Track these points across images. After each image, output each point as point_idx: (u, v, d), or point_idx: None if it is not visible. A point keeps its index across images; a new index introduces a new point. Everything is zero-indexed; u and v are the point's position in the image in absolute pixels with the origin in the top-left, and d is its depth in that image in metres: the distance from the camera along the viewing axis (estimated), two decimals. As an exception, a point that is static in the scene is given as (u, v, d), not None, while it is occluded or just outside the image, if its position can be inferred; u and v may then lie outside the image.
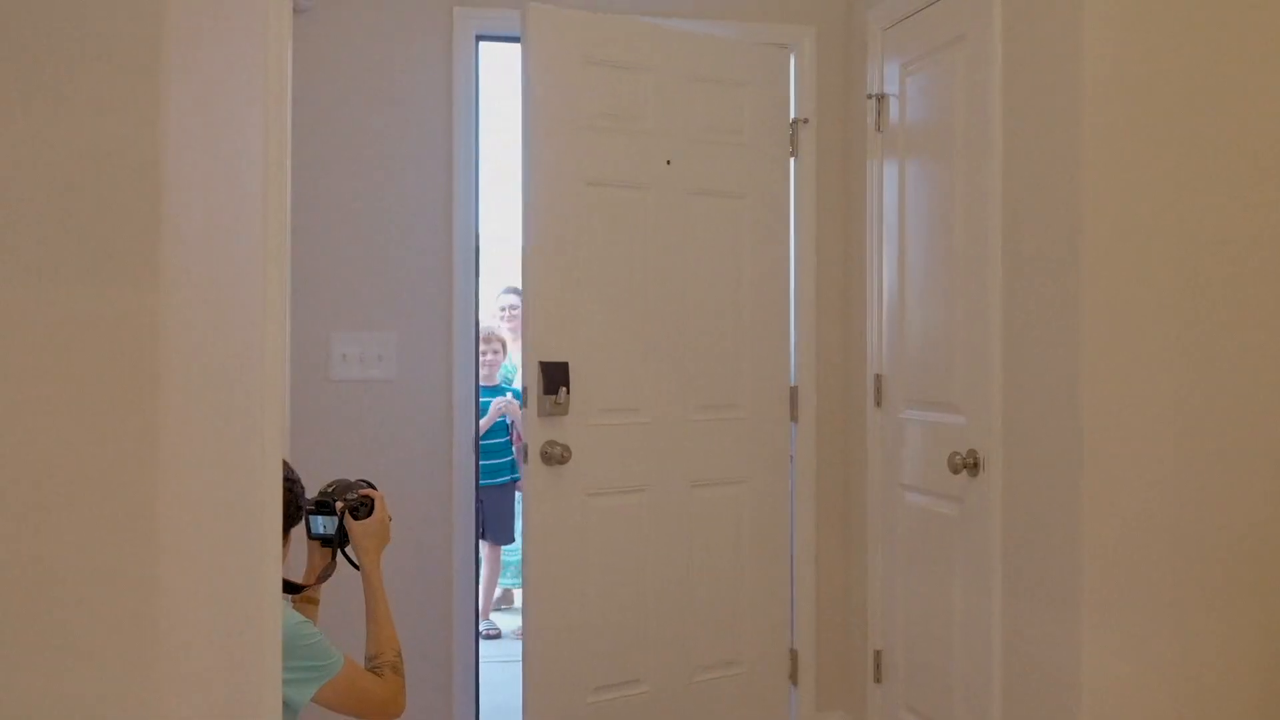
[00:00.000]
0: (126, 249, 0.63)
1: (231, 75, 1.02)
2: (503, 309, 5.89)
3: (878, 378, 3.75)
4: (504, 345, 5.70)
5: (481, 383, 4.50)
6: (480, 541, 4.90)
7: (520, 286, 6.08)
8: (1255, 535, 2.83)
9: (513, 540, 5.88)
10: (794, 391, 4.01)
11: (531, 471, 3.45)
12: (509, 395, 5.56)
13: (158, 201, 0.63)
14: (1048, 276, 2.85)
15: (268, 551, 1.31)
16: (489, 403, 5.40)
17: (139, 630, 0.72)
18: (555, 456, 3.45)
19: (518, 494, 5.90)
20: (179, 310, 0.71)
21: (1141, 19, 2.77)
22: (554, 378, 3.43)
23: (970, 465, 3.16)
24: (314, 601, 2.53)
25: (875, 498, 3.77)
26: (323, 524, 2.47)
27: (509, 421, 5.61)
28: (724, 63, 3.82)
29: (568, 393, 3.45)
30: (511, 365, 5.94)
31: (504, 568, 6.03)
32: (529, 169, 3.43)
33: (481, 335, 4.49)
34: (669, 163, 3.70)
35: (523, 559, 3.48)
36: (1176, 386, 2.77)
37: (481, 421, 4.98)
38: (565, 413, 3.47)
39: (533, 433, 3.44)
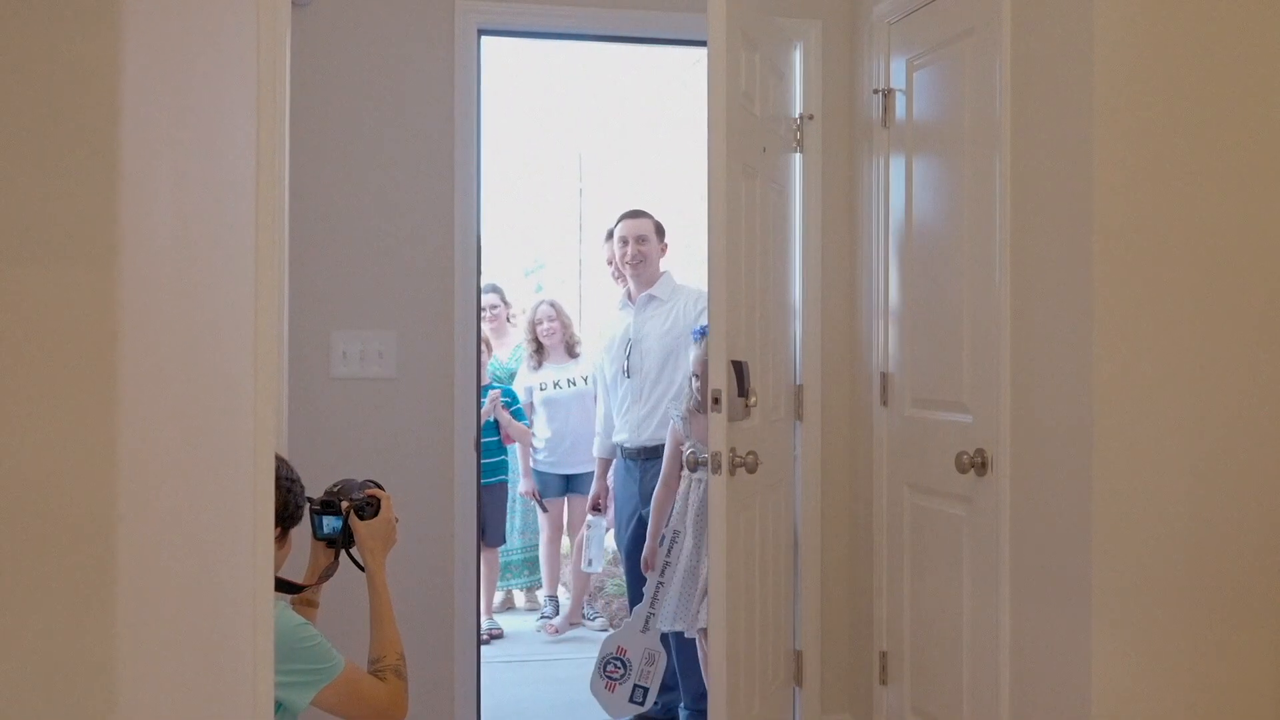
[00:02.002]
0: (79, 225, 0.59)
1: (215, 52, 0.97)
2: (481, 309, 5.85)
3: (884, 376, 3.71)
4: (488, 345, 5.68)
5: None
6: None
7: (496, 284, 6.13)
8: (1268, 537, 2.79)
9: (504, 541, 5.85)
10: (799, 390, 3.97)
11: (724, 483, 3.13)
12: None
13: (116, 173, 0.59)
14: (1057, 273, 2.81)
15: (258, 551, 1.27)
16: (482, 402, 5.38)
17: (103, 639, 0.68)
18: (749, 464, 3.20)
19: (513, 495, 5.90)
20: (144, 296, 0.67)
21: (1153, 11, 2.73)
22: (744, 378, 3.18)
23: (978, 465, 3.12)
24: (313, 604, 2.49)
25: (881, 497, 3.73)
26: (328, 524, 2.42)
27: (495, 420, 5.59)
28: (777, 50, 3.76)
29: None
30: (498, 363, 5.91)
31: (500, 569, 6.01)
32: (716, 155, 3.17)
33: None
34: (764, 150, 3.57)
35: (712, 584, 3.19)
36: (1189, 385, 2.73)
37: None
38: (749, 416, 3.23)
39: (722, 439, 3.15)
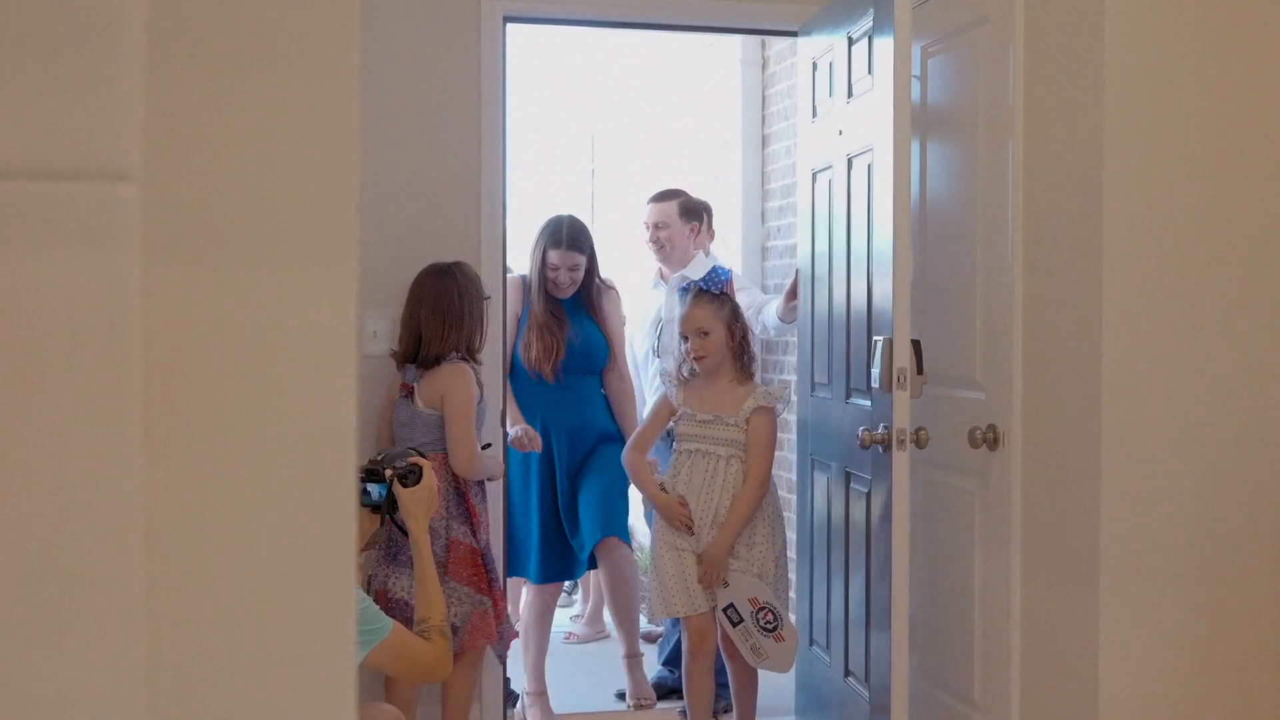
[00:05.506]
0: (329, 225, 0.66)
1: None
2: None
3: (898, 355, 3.80)
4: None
5: None
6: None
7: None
8: (1277, 512, 2.86)
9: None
10: (815, 368, 4.05)
11: (908, 460, 3.14)
12: None
13: (352, 180, 0.66)
14: (1068, 255, 2.90)
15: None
16: None
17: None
18: (921, 441, 3.21)
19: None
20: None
21: (1165, 0, 2.80)
22: (920, 357, 3.17)
23: (990, 440, 3.20)
24: (356, 568, 2.60)
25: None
26: (373, 491, 2.54)
27: None
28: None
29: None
30: None
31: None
32: (900, 133, 3.15)
33: None
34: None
35: (895, 564, 3.14)
36: (1198, 363, 2.81)
37: None
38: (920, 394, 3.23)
39: (905, 417, 3.12)
